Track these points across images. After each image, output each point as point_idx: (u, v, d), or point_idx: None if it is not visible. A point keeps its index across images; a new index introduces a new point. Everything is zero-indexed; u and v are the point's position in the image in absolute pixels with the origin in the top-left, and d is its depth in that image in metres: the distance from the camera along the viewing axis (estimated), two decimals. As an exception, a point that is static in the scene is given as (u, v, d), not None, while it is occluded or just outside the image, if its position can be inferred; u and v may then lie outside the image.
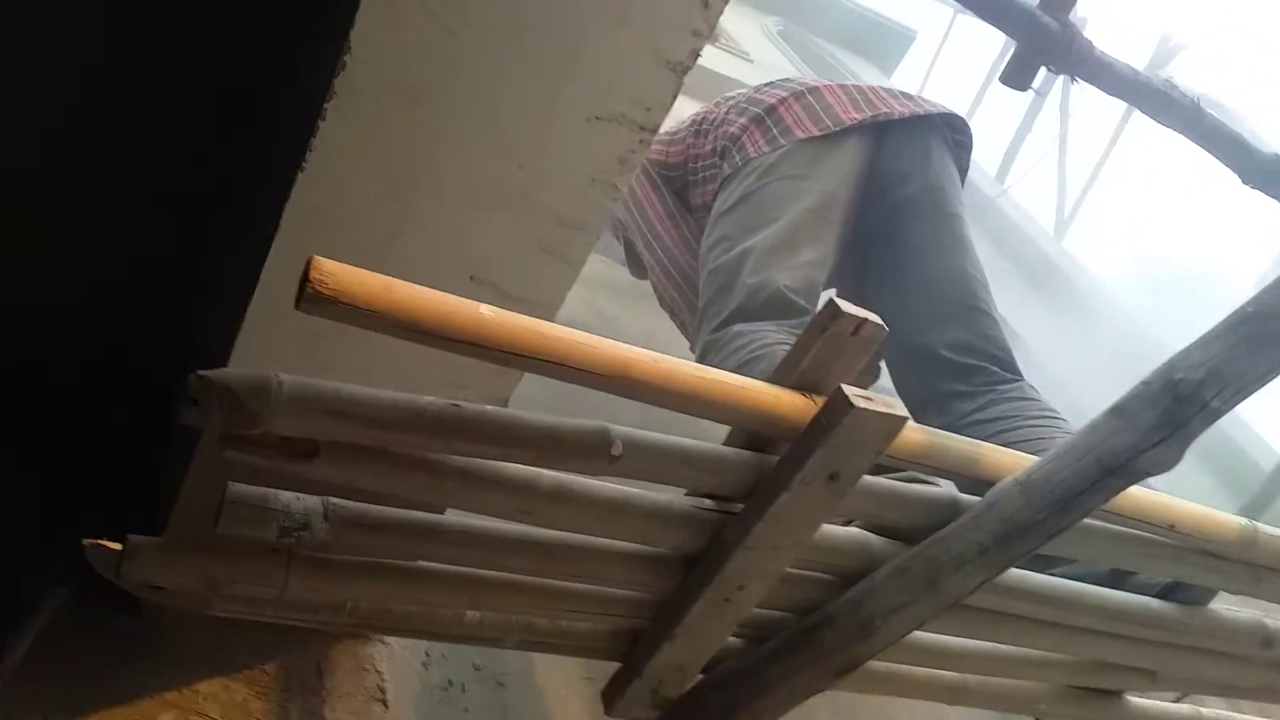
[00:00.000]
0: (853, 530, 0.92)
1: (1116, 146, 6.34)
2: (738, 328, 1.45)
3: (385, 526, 0.76)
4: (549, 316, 1.08)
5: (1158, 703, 1.31)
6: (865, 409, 0.71)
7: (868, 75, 6.58)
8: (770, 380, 0.80)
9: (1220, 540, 1.01)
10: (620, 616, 0.91)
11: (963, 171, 1.88)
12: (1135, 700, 1.28)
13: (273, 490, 0.74)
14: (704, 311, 1.57)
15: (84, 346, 1.32)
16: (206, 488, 1.08)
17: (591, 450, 0.73)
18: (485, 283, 1.02)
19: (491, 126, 0.85)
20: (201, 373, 0.63)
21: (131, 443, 1.31)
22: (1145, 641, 1.10)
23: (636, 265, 2.08)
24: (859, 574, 0.91)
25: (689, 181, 1.87)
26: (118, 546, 0.73)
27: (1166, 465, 0.79)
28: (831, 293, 1.77)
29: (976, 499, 0.90)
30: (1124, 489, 0.81)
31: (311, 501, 0.74)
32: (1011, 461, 0.87)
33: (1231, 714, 1.42)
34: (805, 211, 1.63)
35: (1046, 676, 1.15)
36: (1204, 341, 0.78)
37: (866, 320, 0.77)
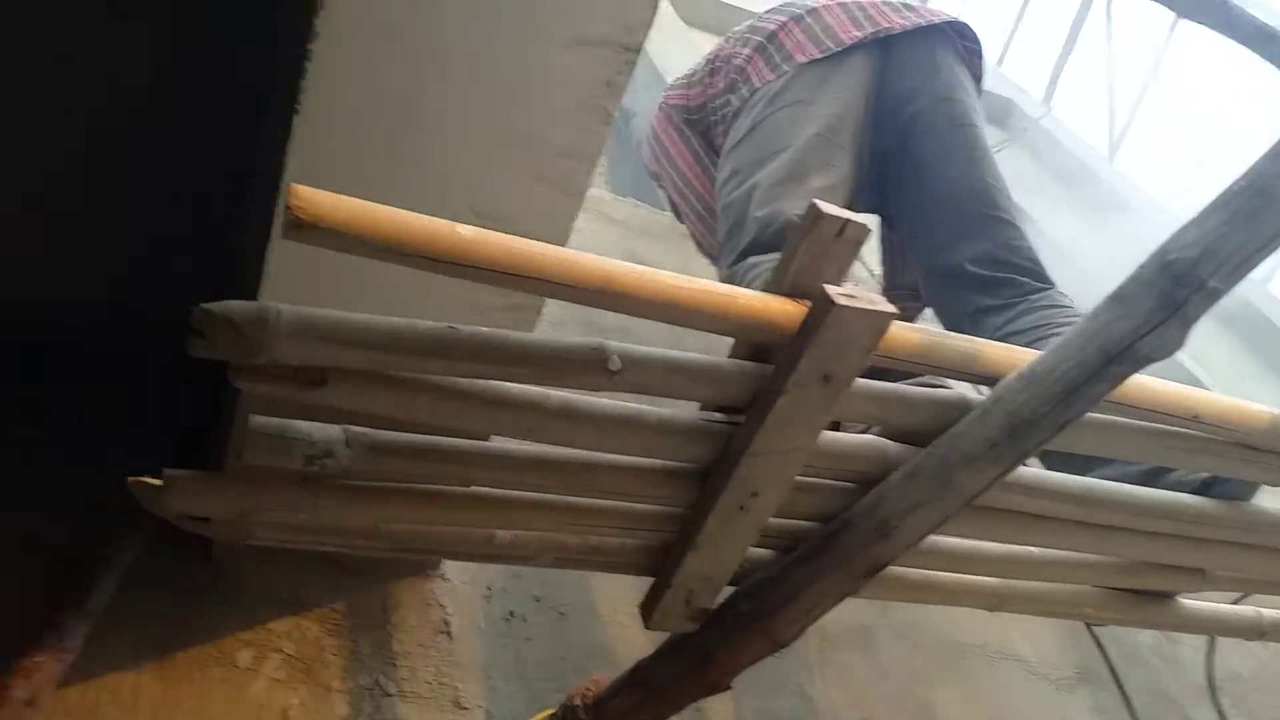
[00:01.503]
0: (868, 436, 0.94)
1: (1165, 61, 6.05)
2: (751, 260, 1.46)
3: (404, 451, 0.80)
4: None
5: (1215, 605, 1.29)
6: (846, 305, 0.72)
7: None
8: (762, 290, 0.82)
9: (1250, 430, 0.99)
10: (647, 531, 0.94)
11: (977, 79, 1.83)
12: (1189, 602, 1.27)
13: (291, 420, 0.79)
14: (721, 248, 1.59)
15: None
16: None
17: (588, 366, 0.76)
18: (488, 216, 1.05)
19: (474, 57, 0.87)
20: (205, 305, 0.68)
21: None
22: (1183, 538, 1.09)
23: (677, 211, 2.09)
24: (877, 479, 0.92)
25: (710, 123, 1.87)
26: (158, 481, 0.79)
27: (1168, 349, 0.79)
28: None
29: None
30: (1127, 376, 0.80)
31: (332, 430, 0.79)
32: (1012, 357, 0.87)
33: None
34: (812, 138, 1.62)
35: (1087, 579, 1.15)
36: (1197, 220, 0.77)
37: (849, 221, 0.78)
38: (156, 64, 1.34)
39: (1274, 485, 1.07)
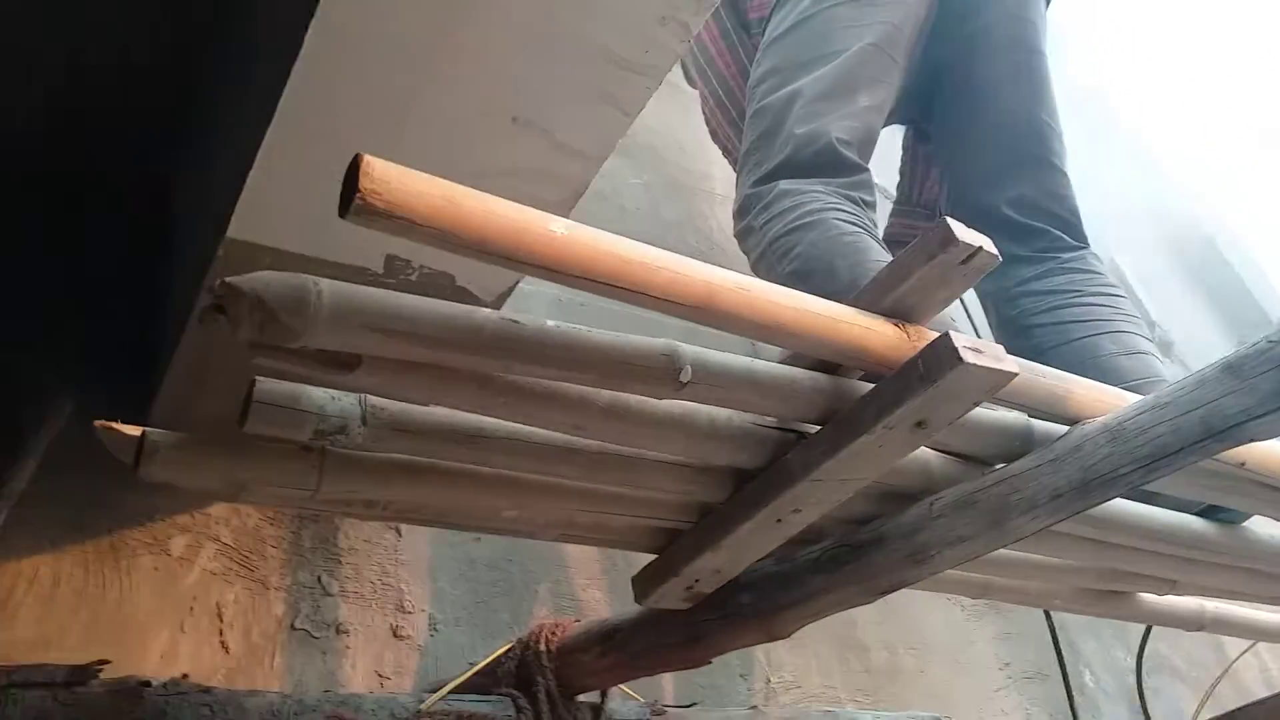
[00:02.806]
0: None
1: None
2: (783, 185, 1.31)
3: (427, 432, 0.70)
4: (596, 167, 0.98)
5: (1165, 598, 1.31)
6: (976, 365, 0.63)
7: None
8: (860, 301, 0.72)
9: (1284, 476, 0.96)
10: (662, 517, 0.86)
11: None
12: (1144, 596, 1.29)
13: (304, 388, 0.67)
14: (746, 157, 1.42)
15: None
16: (205, 363, 1.01)
17: (659, 375, 0.66)
18: (530, 125, 0.91)
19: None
20: (229, 280, 0.55)
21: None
22: (1181, 558, 1.08)
23: (690, 75, 1.90)
24: (915, 492, 0.86)
25: None
26: (134, 432, 0.67)
27: (1275, 434, 0.73)
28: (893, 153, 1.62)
29: (1052, 427, 0.85)
30: (1222, 451, 0.75)
31: (348, 403, 0.68)
32: (1101, 400, 0.81)
33: (1232, 606, 1.44)
34: (868, 47, 1.44)
35: (1072, 582, 1.14)
36: (1348, 305, 0.70)
37: (981, 249, 0.68)
38: None
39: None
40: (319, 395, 0.67)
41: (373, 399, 0.69)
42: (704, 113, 1.82)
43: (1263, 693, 2.28)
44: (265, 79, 0.85)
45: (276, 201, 0.88)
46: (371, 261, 0.96)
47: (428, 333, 0.59)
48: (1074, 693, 1.78)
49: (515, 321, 0.62)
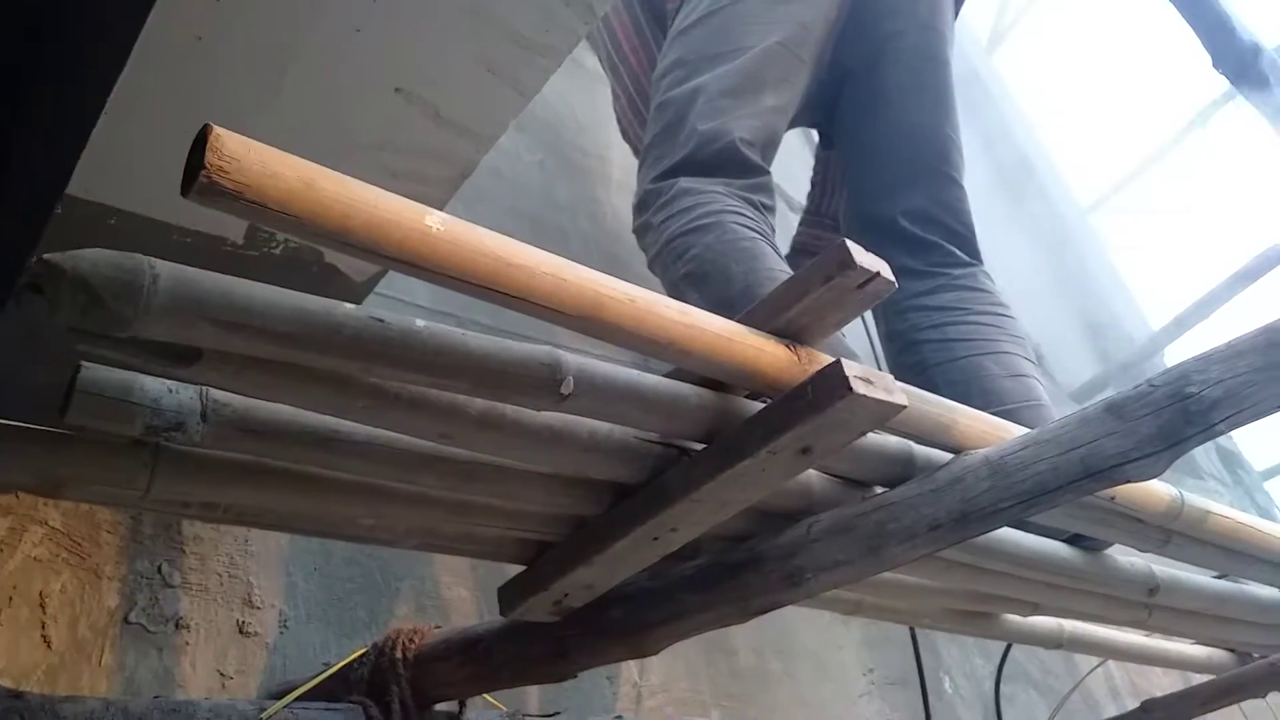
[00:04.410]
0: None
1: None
2: (683, 183, 1.27)
3: (276, 432, 0.63)
4: (486, 147, 0.92)
5: (1028, 619, 1.34)
6: (866, 396, 0.61)
7: None
8: (752, 319, 0.69)
9: (1150, 511, 0.98)
10: (533, 529, 0.82)
11: (959, 4, 1.67)
12: (1008, 616, 1.31)
13: (137, 378, 0.60)
14: (648, 151, 1.37)
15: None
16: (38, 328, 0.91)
17: (539, 386, 0.61)
18: (415, 98, 0.85)
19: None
20: (48, 257, 0.47)
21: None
22: (1045, 583, 1.10)
23: (602, 68, 1.84)
24: (795, 512, 0.84)
25: None
26: (-69, 417, 0.59)
27: (1150, 476, 0.73)
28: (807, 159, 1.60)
29: (934, 454, 0.84)
30: (1098, 490, 0.75)
31: (187, 396, 0.61)
32: (985, 432, 0.80)
33: (1088, 626, 1.48)
34: (775, 45, 1.42)
35: (944, 604, 1.14)
36: (1226, 355, 0.70)
37: (878, 275, 0.65)
38: None
39: (1143, 551, 1.09)
40: (154, 386, 0.60)
41: (215, 393, 0.62)
42: (615, 111, 1.77)
43: (1108, 702, 2.39)
44: (120, 16, 0.76)
45: (125, 158, 0.79)
46: (232, 231, 0.88)
47: (279, 329, 0.53)
48: (933, 698, 1.81)
49: (380, 321, 0.56)
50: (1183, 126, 5.17)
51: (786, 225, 1.97)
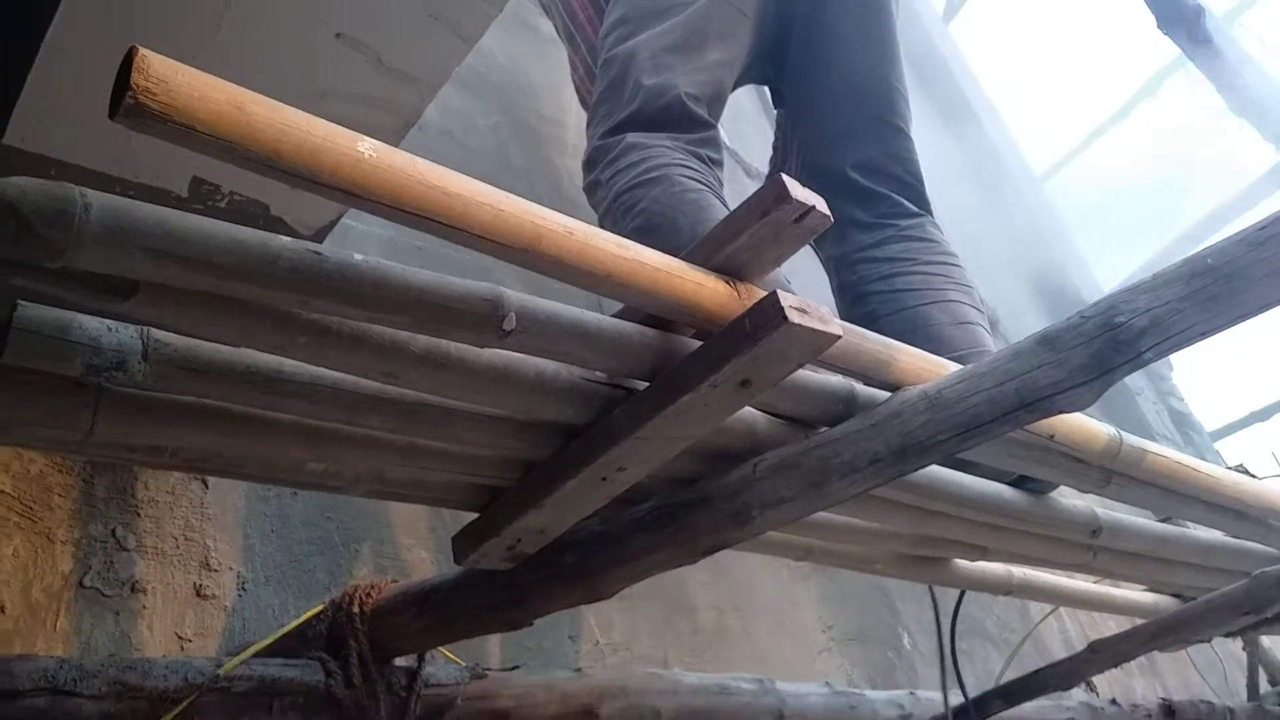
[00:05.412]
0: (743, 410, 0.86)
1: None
2: (630, 138, 1.28)
3: (218, 372, 0.64)
4: (429, 95, 0.92)
5: (977, 564, 1.37)
6: (800, 325, 0.62)
7: None
8: (692, 256, 0.70)
9: (1088, 449, 1.01)
10: (484, 474, 0.83)
11: None
12: (958, 562, 1.34)
13: (76, 316, 0.60)
14: (595, 108, 1.38)
15: None
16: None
17: (481, 322, 0.62)
18: (355, 43, 0.85)
19: None
20: (-24, 184, 0.47)
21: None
22: (991, 526, 1.12)
23: (559, 37, 1.83)
24: (741, 452, 0.86)
25: None
26: None
27: (1081, 405, 0.75)
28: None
29: (875, 393, 0.85)
30: (1033, 421, 0.77)
31: (127, 335, 0.61)
32: (924, 368, 0.82)
33: (1037, 572, 1.52)
34: (717, 0, 1.43)
35: (891, 548, 1.17)
36: (1152, 286, 0.72)
37: (813, 209, 0.66)
38: None
39: (1083, 492, 1.12)
40: (93, 325, 0.60)
41: (156, 332, 0.62)
42: (573, 80, 1.77)
43: (1062, 653, 2.44)
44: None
45: (62, 106, 0.78)
46: (175, 184, 0.88)
47: (215, 259, 0.53)
48: (891, 654, 1.85)
49: (317, 253, 0.57)
50: (1133, 95, 5.25)
51: (742, 191, 1.98)
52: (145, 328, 0.62)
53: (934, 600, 1.57)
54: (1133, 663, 1.56)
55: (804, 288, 0.98)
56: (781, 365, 0.67)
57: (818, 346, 0.66)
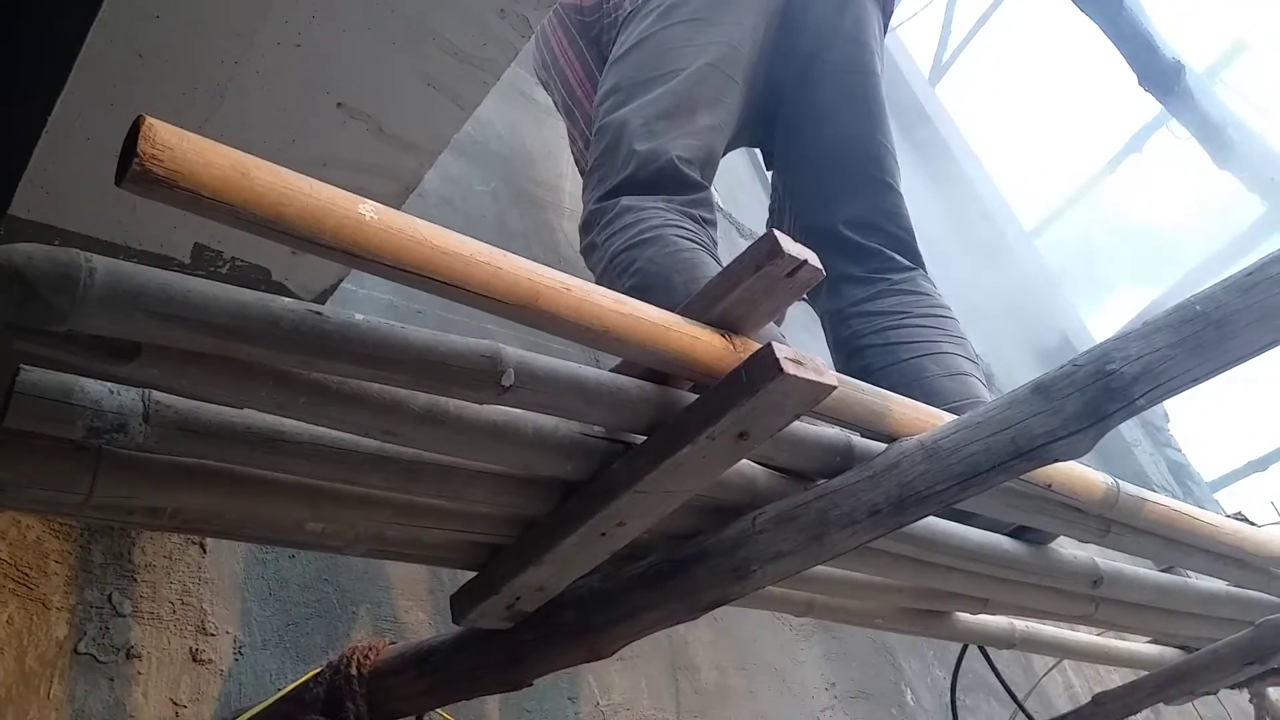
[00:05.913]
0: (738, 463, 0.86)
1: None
2: (625, 201, 1.31)
3: (219, 433, 0.64)
4: (429, 161, 0.94)
5: (979, 617, 1.36)
6: (796, 376, 0.63)
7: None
8: (688, 311, 0.71)
9: (1086, 498, 1.01)
10: (482, 531, 0.83)
11: (886, 18, 1.72)
12: (960, 615, 1.33)
13: (78, 380, 0.60)
14: (590, 174, 1.42)
15: None
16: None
17: (480, 378, 0.63)
18: (356, 112, 0.87)
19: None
20: (-16, 251, 0.48)
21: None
22: (992, 577, 1.12)
23: (558, 112, 1.88)
24: (740, 506, 0.86)
25: (603, 26, 1.65)
26: None
27: (1077, 453, 0.76)
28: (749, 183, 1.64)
29: (872, 444, 0.86)
30: (1029, 470, 0.77)
31: (128, 397, 0.61)
32: (919, 419, 0.82)
33: (1040, 625, 1.51)
34: (705, 67, 1.46)
35: (894, 602, 1.16)
36: (1143, 334, 0.73)
37: (806, 263, 0.68)
38: None
39: (1082, 542, 1.11)
40: (95, 388, 0.60)
41: (157, 394, 0.63)
42: (573, 153, 1.82)
43: (1067, 707, 2.41)
44: (59, 37, 0.78)
45: (67, 177, 0.80)
46: (178, 250, 0.89)
47: (217, 321, 0.54)
48: (895, 711, 1.82)
49: (318, 314, 0.57)
50: (1118, 150, 5.33)
51: (737, 252, 2.00)
52: (146, 391, 0.63)
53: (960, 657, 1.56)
54: (1138, 716, 1.54)
55: (799, 344, 1.00)
56: (778, 416, 0.68)
57: (814, 397, 0.66)
